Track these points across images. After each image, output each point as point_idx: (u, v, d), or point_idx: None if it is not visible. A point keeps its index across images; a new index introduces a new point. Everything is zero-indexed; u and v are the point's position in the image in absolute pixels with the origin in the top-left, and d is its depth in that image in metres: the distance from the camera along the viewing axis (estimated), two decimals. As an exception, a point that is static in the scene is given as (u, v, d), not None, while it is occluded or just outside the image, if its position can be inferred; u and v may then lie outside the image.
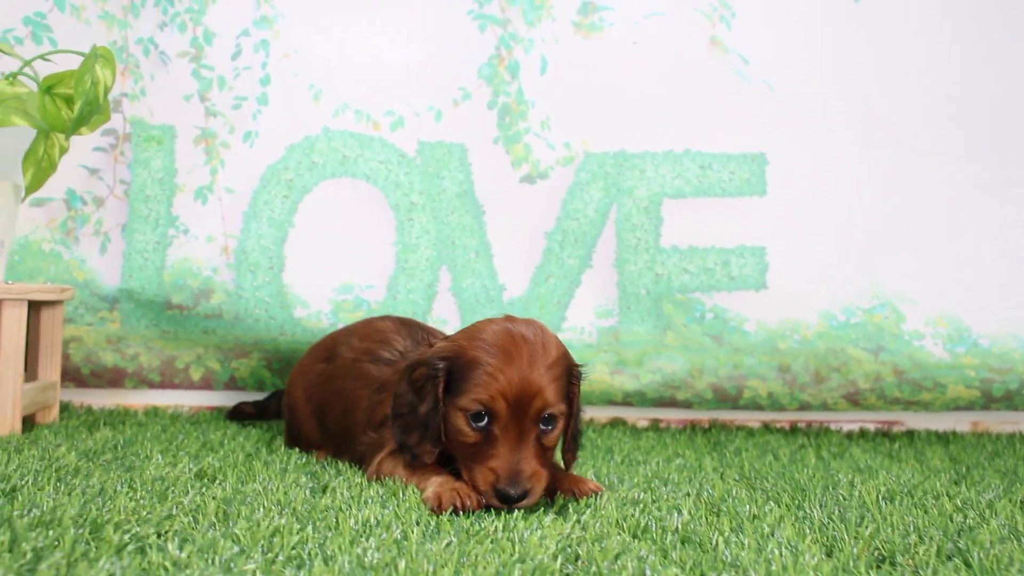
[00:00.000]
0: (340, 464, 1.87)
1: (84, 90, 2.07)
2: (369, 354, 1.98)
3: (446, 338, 1.74)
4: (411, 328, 2.05)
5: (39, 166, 2.20)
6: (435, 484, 1.61)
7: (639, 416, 2.70)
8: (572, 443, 1.71)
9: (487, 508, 1.55)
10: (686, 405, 2.64)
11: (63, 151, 2.24)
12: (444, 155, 2.55)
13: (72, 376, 2.55)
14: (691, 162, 2.58)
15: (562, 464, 1.74)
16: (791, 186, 2.60)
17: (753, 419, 2.72)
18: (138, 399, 2.61)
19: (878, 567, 1.29)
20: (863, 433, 2.69)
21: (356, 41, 2.54)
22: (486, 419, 1.59)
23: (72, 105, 2.14)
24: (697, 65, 2.58)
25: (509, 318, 1.68)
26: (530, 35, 2.55)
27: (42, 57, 2.24)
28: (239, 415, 2.50)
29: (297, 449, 2.06)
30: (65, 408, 2.51)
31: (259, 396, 2.60)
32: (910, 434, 2.67)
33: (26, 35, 2.43)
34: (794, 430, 2.67)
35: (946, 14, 2.61)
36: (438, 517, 1.45)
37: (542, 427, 1.61)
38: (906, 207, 2.62)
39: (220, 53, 2.50)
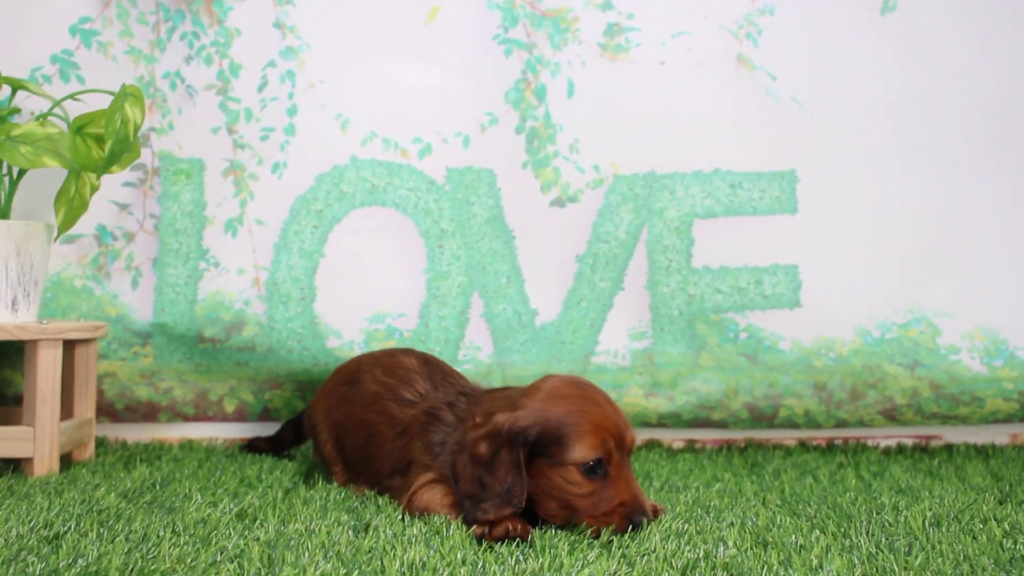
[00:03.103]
0: (380, 500, 1.86)
1: (114, 129, 2.08)
2: (392, 392, 2.02)
3: (497, 402, 1.75)
4: (432, 368, 2.07)
5: (71, 205, 2.21)
6: None
7: (674, 437, 2.68)
8: None
9: (531, 545, 1.54)
10: (721, 425, 2.62)
11: (94, 190, 2.24)
12: (473, 181, 2.55)
13: (107, 411, 2.55)
14: (721, 181, 2.57)
15: None
16: (822, 203, 2.57)
17: (789, 437, 2.69)
18: (173, 432, 2.61)
19: (933, 602, 1.28)
20: (901, 449, 2.66)
21: (382, 69, 2.53)
22: (598, 465, 1.64)
23: (103, 144, 2.15)
24: (725, 84, 2.56)
25: (557, 376, 1.76)
26: (556, 58, 2.54)
27: (72, 97, 2.24)
28: (253, 449, 2.49)
29: (335, 483, 2.06)
30: (101, 443, 2.52)
31: (273, 432, 2.56)
32: (949, 448, 2.64)
33: (54, 73, 2.44)
34: (831, 447, 2.65)
35: (981, 31, 2.58)
36: (483, 557, 1.44)
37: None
38: (939, 221, 2.59)
39: (246, 85, 2.50)
